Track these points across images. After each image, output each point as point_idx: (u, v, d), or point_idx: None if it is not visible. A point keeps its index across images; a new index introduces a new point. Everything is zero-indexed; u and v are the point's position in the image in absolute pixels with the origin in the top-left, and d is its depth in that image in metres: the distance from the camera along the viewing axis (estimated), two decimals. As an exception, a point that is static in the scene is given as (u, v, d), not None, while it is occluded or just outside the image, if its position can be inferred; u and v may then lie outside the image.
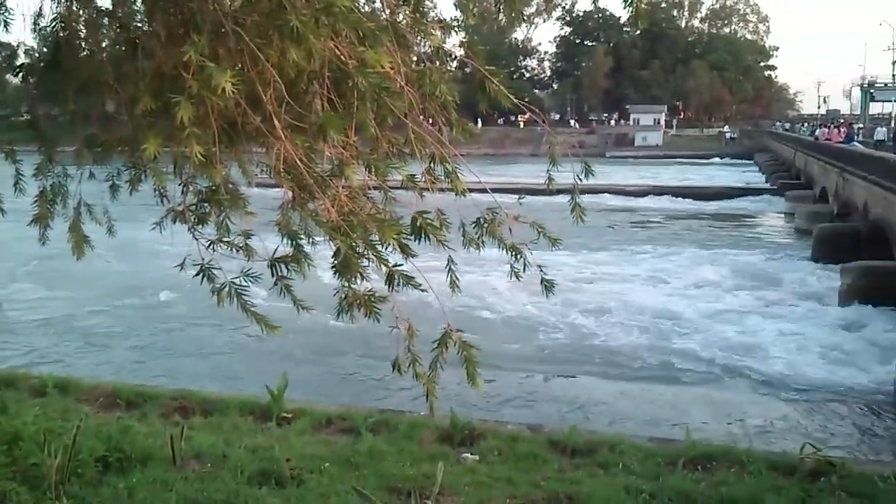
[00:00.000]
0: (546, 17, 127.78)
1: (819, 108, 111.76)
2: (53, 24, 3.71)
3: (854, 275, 21.99)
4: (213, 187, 3.35)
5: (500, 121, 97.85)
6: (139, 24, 3.59)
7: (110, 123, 3.84)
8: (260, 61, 2.88)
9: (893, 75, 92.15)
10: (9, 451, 6.27)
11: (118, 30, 3.70)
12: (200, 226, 3.50)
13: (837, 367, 16.65)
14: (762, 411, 14.38)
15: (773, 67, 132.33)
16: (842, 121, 62.32)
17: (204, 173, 3.27)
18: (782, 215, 44.17)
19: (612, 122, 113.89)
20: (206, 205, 3.50)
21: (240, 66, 2.90)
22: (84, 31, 3.76)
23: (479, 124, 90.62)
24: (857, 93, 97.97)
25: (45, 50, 3.95)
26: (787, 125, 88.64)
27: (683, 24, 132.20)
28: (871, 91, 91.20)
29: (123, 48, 3.62)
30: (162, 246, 21.16)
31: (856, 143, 43.19)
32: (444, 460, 6.93)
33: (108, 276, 22.67)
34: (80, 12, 3.74)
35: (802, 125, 76.92)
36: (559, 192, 3.76)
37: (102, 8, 3.74)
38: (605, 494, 6.62)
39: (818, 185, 43.29)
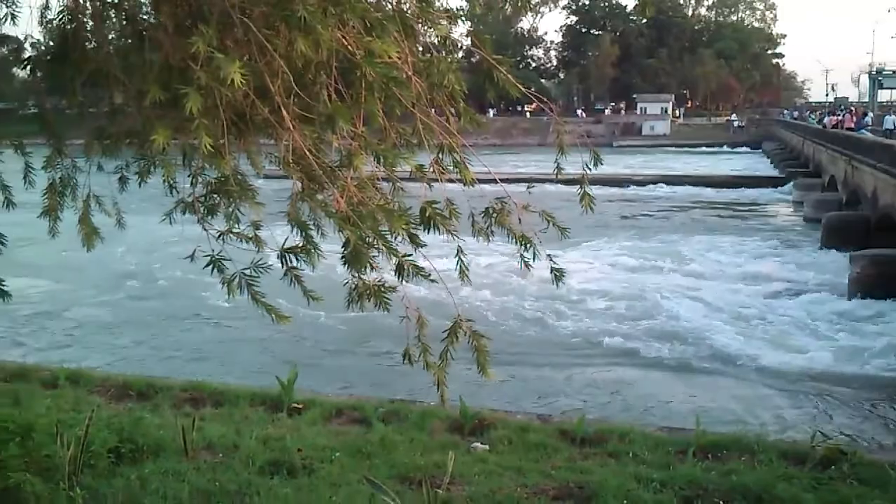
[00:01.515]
0: (552, 6, 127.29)
1: (827, 95, 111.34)
2: (60, 16, 3.71)
3: (863, 263, 21.87)
4: (223, 178, 3.36)
5: (494, 111, 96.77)
6: (146, 16, 3.59)
7: (118, 115, 3.85)
8: (268, 52, 2.88)
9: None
10: (22, 442, 6.30)
11: (125, 22, 3.70)
12: (210, 217, 3.50)
13: (847, 355, 16.59)
14: (771, 400, 14.34)
15: (780, 55, 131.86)
16: (852, 108, 62.01)
17: (213, 164, 3.27)
18: (790, 204, 43.96)
19: (618, 111, 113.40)
20: (215, 196, 3.50)
21: (248, 57, 2.90)
22: (91, 23, 3.76)
23: (491, 114, 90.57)
24: (865, 80, 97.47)
25: (51, 43, 3.95)
26: (795, 113, 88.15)
27: (690, 13, 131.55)
28: (880, 78, 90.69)
29: (130, 40, 3.62)
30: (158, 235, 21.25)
31: (864, 131, 42.93)
32: (454, 450, 6.93)
33: (95, 266, 22.53)
34: (87, 4, 3.74)
35: (810, 113, 76.41)
36: (567, 181, 3.76)
37: (109, 0, 3.74)
38: (615, 483, 6.62)
39: (826, 174, 43.06)
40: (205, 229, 3.43)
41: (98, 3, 3.73)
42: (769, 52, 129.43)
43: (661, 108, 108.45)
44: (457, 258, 3.57)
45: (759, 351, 16.82)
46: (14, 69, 4.55)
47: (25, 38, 4.13)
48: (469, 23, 4.11)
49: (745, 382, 15.31)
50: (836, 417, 13.52)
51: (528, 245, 3.56)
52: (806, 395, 14.61)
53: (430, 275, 3.21)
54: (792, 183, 47.21)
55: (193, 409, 8.71)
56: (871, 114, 59.72)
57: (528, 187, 3.87)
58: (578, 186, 3.64)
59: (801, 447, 7.83)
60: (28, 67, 3.94)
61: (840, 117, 51.94)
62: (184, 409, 8.72)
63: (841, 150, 37.50)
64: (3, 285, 3.66)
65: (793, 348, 17.05)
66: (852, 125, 45.85)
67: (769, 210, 43.87)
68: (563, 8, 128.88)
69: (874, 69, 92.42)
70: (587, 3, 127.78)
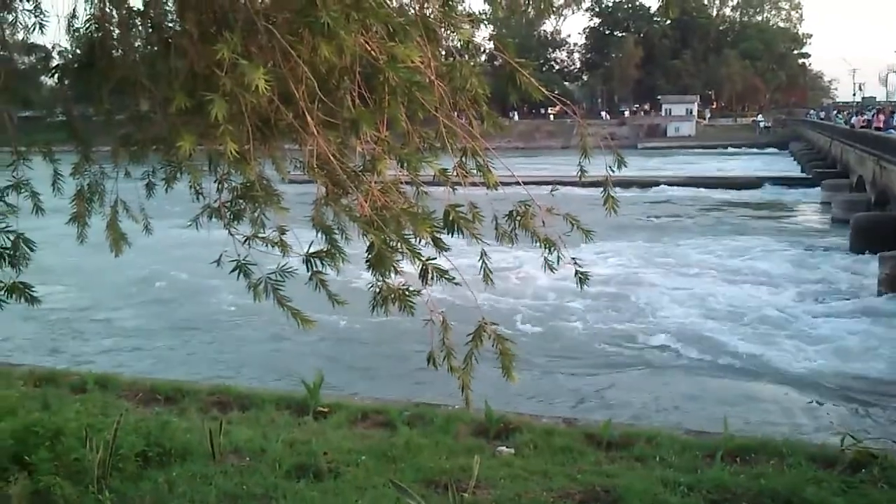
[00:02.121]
0: (575, 8, 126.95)
1: (854, 95, 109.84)
2: (87, 25, 3.76)
3: (893, 264, 21.60)
4: (248, 184, 3.38)
5: (517, 114, 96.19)
6: (171, 24, 3.63)
7: (145, 122, 3.89)
8: (292, 58, 2.90)
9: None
10: (51, 446, 6.38)
11: (151, 30, 3.74)
12: (236, 222, 3.53)
13: (876, 358, 16.38)
14: (797, 403, 14.18)
15: (806, 55, 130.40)
16: (879, 108, 61.25)
17: (238, 170, 3.30)
18: (818, 205, 43.47)
19: (641, 112, 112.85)
20: (241, 201, 3.53)
21: (272, 63, 2.92)
22: (117, 31, 3.80)
23: (514, 117, 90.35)
24: (893, 79, 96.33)
25: (79, 51, 4.00)
26: (822, 113, 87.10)
27: (715, 13, 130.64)
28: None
29: (156, 48, 3.66)
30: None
31: (893, 131, 42.39)
32: (479, 453, 6.94)
33: (112, 270, 22.56)
34: (113, 13, 3.78)
35: (837, 113, 75.40)
36: (591, 184, 3.75)
37: (135, 8, 3.78)
38: (641, 487, 6.58)
39: (854, 174, 42.58)
40: (231, 234, 3.46)
41: (124, 12, 3.77)
42: (795, 52, 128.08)
43: (686, 110, 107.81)
44: (481, 261, 3.58)
45: (784, 354, 16.66)
46: (42, 77, 4.61)
47: (53, 47, 4.20)
48: (492, 26, 4.12)
49: (770, 385, 15.14)
50: (865, 420, 13.34)
51: (552, 248, 3.55)
52: (833, 397, 14.43)
53: (454, 278, 3.21)
54: (820, 184, 46.66)
55: (220, 413, 8.78)
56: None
57: (552, 190, 3.86)
58: (602, 189, 3.63)
59: (830, 450, 7.74)
60: (56, 75, 3.99)
61: (868, 117, 51.28)
62: (211, 413, 8.79)
63: (869, 151, 37.07)
64: (33, 291, 3.71)
65: (820, 351, 16.85)
66: (880, 125, 45.25)
67: (797, 211, 43.44)
68: (586, 10, 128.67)
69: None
70: (610, 4, 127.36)
